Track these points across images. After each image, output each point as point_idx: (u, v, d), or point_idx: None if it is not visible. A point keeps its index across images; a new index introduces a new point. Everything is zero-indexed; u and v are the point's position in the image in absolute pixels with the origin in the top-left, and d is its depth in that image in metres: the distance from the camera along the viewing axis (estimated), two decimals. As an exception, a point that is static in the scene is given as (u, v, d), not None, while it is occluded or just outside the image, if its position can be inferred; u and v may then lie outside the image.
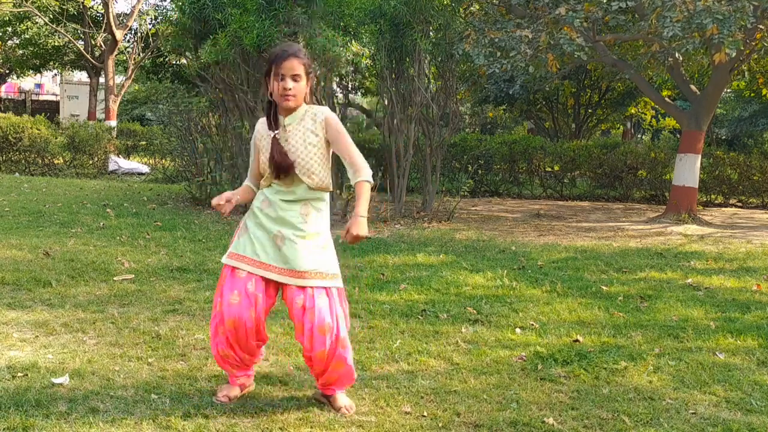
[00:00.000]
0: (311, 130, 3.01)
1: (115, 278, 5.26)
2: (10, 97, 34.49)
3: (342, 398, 3.07)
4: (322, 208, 3.07)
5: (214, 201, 3.07)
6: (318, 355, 2.92)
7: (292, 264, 2.96)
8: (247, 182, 3.26)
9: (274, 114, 3.05)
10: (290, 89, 2.94)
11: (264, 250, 2.99)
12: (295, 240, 2.97)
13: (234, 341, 2.99)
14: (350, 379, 3.08)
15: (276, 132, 3.02)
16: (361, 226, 2.87)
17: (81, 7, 23.32)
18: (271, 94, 3.02)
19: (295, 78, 2.95)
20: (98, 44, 22.57)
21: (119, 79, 24.58)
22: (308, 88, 3.03)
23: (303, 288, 2.95)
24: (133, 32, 23.03)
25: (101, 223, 7.78)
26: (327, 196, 3.10)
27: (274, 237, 2.99)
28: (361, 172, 2.97)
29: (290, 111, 3.03)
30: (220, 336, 3.01)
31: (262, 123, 3.13)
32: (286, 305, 3.02)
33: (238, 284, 2.97)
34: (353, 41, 8.67)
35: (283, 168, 2.99)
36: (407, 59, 9.81)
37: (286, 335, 4.04)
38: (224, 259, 3.07)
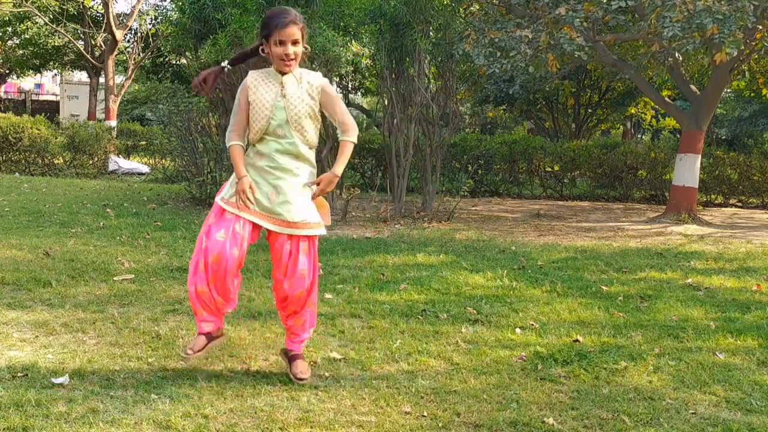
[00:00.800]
0: (308, 94, 3.25)
1: (115, 278, 5.26)
2: (10, 97, 34.49)
3: (300, 364, 3.36)
4: (311, 159, 3.32)
5: (243, 196, 3.19)
6: (297, 294, 3.24)
7: (285, 216, 3.20)
8: (236, 142, 3.32)
9: (251, 56, 3.33)
10: (290, 54, 3.15)
11: (257, 199, 3.20)
12: (287, 192, 3.20)
13: (212, 278, 3.14)
14: (314, 319, 3.44)
15: (226, 64, 3.36)
16: (331, 183, 3.28)
17: (81, 7, 23.33)
18: (263, 50, 3.22)
19: (294, 43, 3.16)
20: (98, 44, 22.58)
21: (119, 79, 24.59)
22: (304, 48, 3.23)
23: (291, 236, 3.22)
24: (133, 32, 23.04)
25: (101, 223, 7.78)
26: (313, 155, 3.34)
27: (268, 192, 3.21)
28: (349, 132, 3.30)
29: (286, 70, 3.24)
30: (200, 273, 3.15)
31: (254, 75, 3.29)
32: (270, 246, 3.29)
33: (226, 224, 3.17)
34: (353, 41, 8.67)
35: (202, 85, 3.32)
36: (407, 59, 9.82)
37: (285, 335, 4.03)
38: (218, 199, 3.26)
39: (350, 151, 3.31)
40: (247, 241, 3.21)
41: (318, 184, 3.28)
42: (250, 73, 3.31)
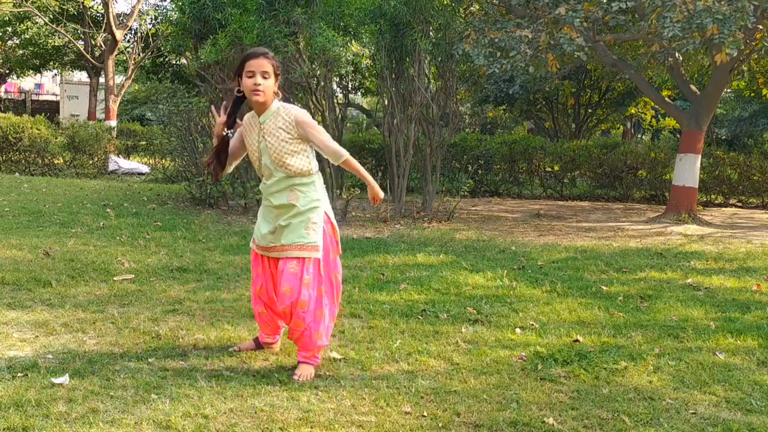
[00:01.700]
0: (282, 128, 3.39)
1: (115, 278, 5.26)
2: (10, 97, 34.48)
3: (302, 368, 3.45)
4: (308, 189, 3.45)
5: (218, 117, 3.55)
6: (282, 309, 3.42)
7: (281, 241, 3.45)
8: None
9: (234, 107, 3.49)
10: (260, 84, 3.31)
11: (262, 235, 3.52)
12: (285, 224, 3.43)
13: (263, 305, 3.63)
14: (310, 344, 3.45)
15: (230, 132, 3.51)
16: (378, 190, 3.58)
17: (81, 7, 23.33)
18: (239, 91, 3.42)
19: (264, 75, 3.33)
20: (98, 44, 22.58)
21: (119, 79, 24.58)
22: (276, 85, 3.41)
23: (284, 258, 3.45)
24: (133, 32, 23.03)
25: (101, 223, 7.78)
26: (313, 177, 3.48)
27: (273, 229, 3.47)
28: (340, 153, 3.45)
29: (262, 107, 3.41)
30: (255, 299, 3.67)
31: (246, 117, 3.54)
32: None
33: (258, 261, 3.61)
34: (353, 41, 8.67)
35: (213, 171, 3.59)
36: (407, 59, 9.81)
37: (284, 335, 4.03)
38: (251, 244, 3.70)
39: (354, 162, 3.51)
40: (270, 272, 3.57)
41: (373, 200, 3.62)
42: (246, 115, 3.57)
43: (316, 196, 3.47)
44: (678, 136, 17.31)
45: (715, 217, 11.27)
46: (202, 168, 9.99)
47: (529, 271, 6.19)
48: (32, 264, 5.54)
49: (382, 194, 3.61)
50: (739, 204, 13.87)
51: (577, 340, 4.15)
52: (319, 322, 3.45)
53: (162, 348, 3.76)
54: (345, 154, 3.46)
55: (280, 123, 3.39)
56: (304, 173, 3.42)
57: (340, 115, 10.74)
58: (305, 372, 3.43)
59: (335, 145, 3.46)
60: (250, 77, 3.33)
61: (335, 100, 10.69)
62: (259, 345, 3.78)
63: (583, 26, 8.90)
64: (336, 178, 10.09)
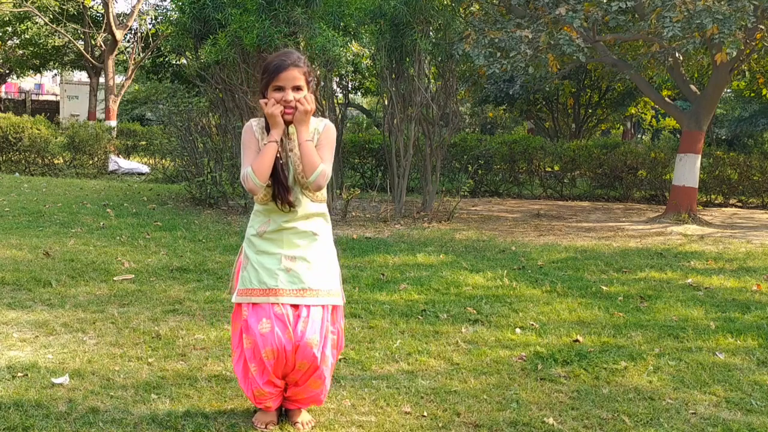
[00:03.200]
0: (311, 138, 2.83)
1: (115, 278, 5.26)
2: (10, 97, 34.49)
3: (303, 414, 2.94)
4: (327, 221, 2.95)
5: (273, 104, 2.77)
6: (299, 365, 2.75)
7: (304, 283, 2.80)
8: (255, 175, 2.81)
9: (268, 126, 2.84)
10: (291, 101, 2.74)
11: (271, 275, 2.80)
12: (306, 258, 2.83)
13: (274, 371, 2.76)
14: (317, 401, 2.93)
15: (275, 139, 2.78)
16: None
17: (81, 7, 23.32)
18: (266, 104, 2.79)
19: (296, 89, 2.76)
20: (98, 44, 22.57)
21: (119, 79, 24.58)
22: (311, 95, 2.81)
23: (309, 306, 2.82)
24: (133, 32, 23.02)
25: (101, 223, 7.78)
26: (326, 208, 2.97)
27: (282, 259, 2.82)
28: (322, 168, 2.78)
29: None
30: (252, 374, 2.78)
31: (255, 123, 2.90)
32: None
33: (265, 311, 2.77)
34: (353, 41, 8.67)
35: (283, 196, 2.80)
36: (407, 59, 9.81)
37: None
38: (234, 299, 2.87)
39: (312, 151, 2.77)
40: (293, 318, 2.78)
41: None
42: (251, 120, 2.93)
43: (330, 228, 2.97)
44: (678, 136, 17.31)
45: (715, 217, 11.26)
46: (201, 168, 10.00)
47: (529, 271, 6.19)
48: (32, 264, 5.54)
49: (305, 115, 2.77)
50: (739, 204, 13.87)
51: (577, 340, 4.15)
52: (330, 380, 2.93)
53: (162, 348, 3.76)
54: (325, 173, 2.80)
55: (314, 138, 2.84)
56: (322, 200, 2.91)
57: (340, 115, 10.74)
58: (309, 418, 2.95)
59: (326, 169, 2.79)
60: (277, 91, 2.75)
61: (335, 100, 10.69)
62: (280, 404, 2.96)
63: (583, 26, 8.90)
64: (336, 177, 10.10)
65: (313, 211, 2.87)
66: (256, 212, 2.92)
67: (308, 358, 2.73)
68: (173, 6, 11.05)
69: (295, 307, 2.80)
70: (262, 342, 2.72)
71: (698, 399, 3.33)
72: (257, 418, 2.89)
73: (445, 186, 11.76)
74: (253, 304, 2.80)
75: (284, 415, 2.96)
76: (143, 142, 18.71)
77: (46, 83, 44.39)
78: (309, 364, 2.75)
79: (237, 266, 2.98)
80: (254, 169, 2.75)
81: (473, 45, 9.12)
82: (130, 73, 21.83)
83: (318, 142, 2.85)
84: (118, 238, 6.96)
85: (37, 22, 24.86)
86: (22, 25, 25.16)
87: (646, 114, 20.84)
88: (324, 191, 2.91)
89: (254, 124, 2.90)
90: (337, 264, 2.98)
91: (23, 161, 14.93)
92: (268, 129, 2.82)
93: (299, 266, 2.81)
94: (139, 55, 22.04)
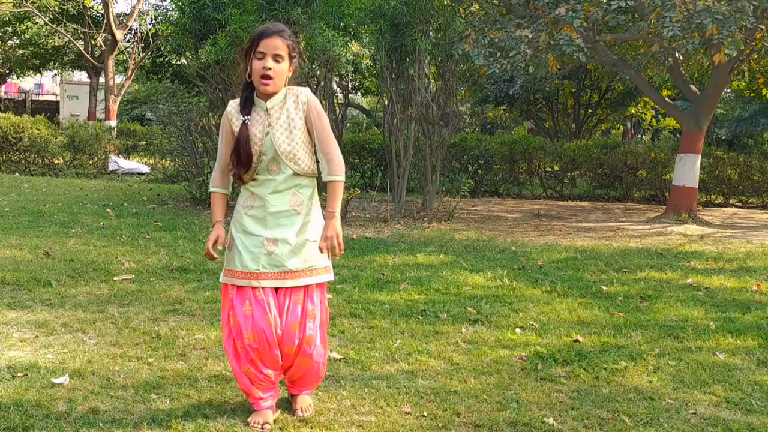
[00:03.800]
0: (295, 113, 2.86)
1: (115, 278, 5.26)
2: (10, 97, 34.49)
3: (303, 399, 3.01)
4: (312, 195, 2.94)
5: (206, 251, 2.92)
6: (287, 351, 2.85)
7: (285, 266, 2.85)
8: (214, 189, 3.01)
9: (249, 96, 2.87)
10: (270, 69, 2.76)
11: (254, 258, 2.84)
12: (288, 239, 2.85)
13: (257, 356, 2.83)
14: (317, 379, 3.03)
15: (247, 117, 2.85)
16: (337, 236, 2.82)
17: (81, 7, 23.32)
18: (249, 76, 2.84)
19: (276, 58, 2.77)
20: (98, 44, 22.58)
21: (119, 79, 24.58)
22: (290, 72, 2.86)
23: (296, 288, 2.89)
24: (133, 32, 23.03)
25: (101, 223, 7.78)
26: (314, 182, 2.96)
27: (264, 242, 2.85)
28: (338, 169, 2.86)
29: (269, 95, 2.85)
30: (240, 354, 2.85)
31: (233, 105, 2.93)
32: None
33: (247, 294, 2.84)
34: (353, 41, 8.67)
35: (243, 162, 2.83)
36: (407, 59, 9.81)
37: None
38: (222, 278, 2.94)
39: (342, 191, 2.88)
40: (275, 304, 2.85)
41: (325, 242, 2.84)
42: (231, 102, 2.95)
43: (318, 202, 2.97)
44: (678, 136, 17.31)
45: (715, 217, 11.26)
46: (201, 168, 10.00)
47: (529, 271, 6.19)
48: (32, 264, 5.54)
49: (339, 240, 2.83)
50: (739, 204, 13.87)
51: (577, 340, 4.15)
52: (325, 355, 3.01)
53: (162, 348, 3.76)
54: (343, 171, 2.90)
55: (290, 107, 2.85)
56: (309, 173, 2.89)
57: (340, 115, 10.74)
58: (308, 404, 3.02)
59: (340, 155, 2.90)
60: (259, 59, 2.77)
61: (335, 100, 10.69)
62: (273, 409, 2.98)
63: (583, 26, 8.90)
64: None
65: (298, 183, 2.88)
66: (242, 190, 2.97)
67: (290, 341, 2.85)
68: (173, 6, 11.05)
69: (277, 290, 2.87)
70: (244, 323, 2.82)
71: (698, 399, 3.33)
72: (252, 419, 2.88)
73: (445, 186, 11.76)
74: (236, 289, 2.87)
75: (288, 404, 3.04)
76: (143, 142, 18.72)
77: (46, 83, 44.40)
78: (293, 346, 2.85)
79: (228, 240, 2.99)
80: (212, 183, 3.04)
81: (473, 45, 9.12)
82: (130, 73, 21.84)
83: (313, 121, 2.86)
84: (118, 238, 6.96)
85: (37, 22, 24.87)
86: (22, 25, 25.16)
87: (646, 114, 20.84)
88: (309, 166, 2.89)
89: (230, 109, 2.93)
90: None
91: (23, 161, 14.93)
92: (242, 110, 2.87)
93: (281, 249, 2.84)
94: (139, 55, 22.05)
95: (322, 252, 2.86)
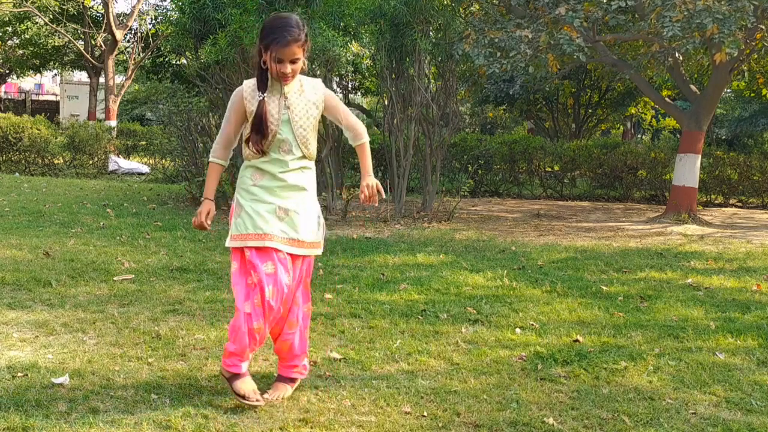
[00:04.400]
0: (314, 102, 3.08)
1: (115, 278, 5.26)
2: (10, 97, 34.49)
3: (281, 387, 3.16)
4: (313, 177, 3.18)
5: (197, 222, 3.11)
6: (291, 320, 3.11)
7: (298, 233, 3.04)
8: (214, 159, 3.16)
9: (264, 77, 3.03)
10: (289, 72, 2.97)
11: (265, 221, 2.99)
12: (297, 210, 3.04)
13: (268, 313, 2.95)
14: (303, 346, 3.20)
15: (265, 94, 3.01)
16: (376, 185, 3.14)
17: (81, 7, 23.33)
18: (264, 62, 2.98)
19: (294, 61, 2.97)
20: (98, 44, 22.58)
21: (119, 79, 24.58)
22: (304, 63, 3.05)
23: (299, 256, 3.09)
24: (133, 32, 23.03)
25: (101, 223, 7.79)
26: (314, 165, 3.19)
27: (275, 210, 3.01)
28: (362, 133, 3.21)
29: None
30: (256, 309, 2.92)
31: (249, 84, 3.07)
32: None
33: (269, 255, 2.97)
34: (353, 41, 8.67)
35: (264, 134, 2.98)
36: (407, 59, 9.82)
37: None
38: (228, 243, 3.04)
39: (369, 150, 3.25)
40: (291, 266, 3.04)
41: (364, 194, 3.14)
42: (246, 82, 3.09)
43: (315, 185, 3.20)
44: (678, 136, 17.31)
45: (715, 217, 11.26)
46: (201, 168, 10.00)
47: (529, 271, 6.19)
48: (32, 264, 5.54)
49: (377, 189, 3.16)
50: (739, 204, 13.87)
51: (577, 340, 4.15)
52: (307, 320, 3.23)
53: (162, 348, 3.76)
54: (366, 134, 3.25)
55: (310, 96, 3.06)
56: (312, 157, 3.13)
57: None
58: (282, 395, 3.13)
59: (361, 123, 3.23)
60: (277, 62, 2.93)
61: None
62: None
63: (583, 26, 8.90)
64: (335, 177, 10.09)
65: (304, 165, 3.09)
66: (246, 167, 3.11)
67: (287, 302, 3.05)
68: (173, 6, 11.06)
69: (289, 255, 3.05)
70: (266, 280, 2.93)
71: (698, 399, 3.33)
72: (244, 390, 2.98)
73: (445, 186, 11.76)
74: (257, 248, 2.97)
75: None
76: (143, 142, 18.72)
77: (46, 83, 44.40)
78: (286, 307, 3.06)
79: (230, 215, 3.15)
80: (209, 163, 3.21)
81: (473, 45, 9.12)
82: (130, 73, 21.84)
83: (331, 109, 3.15)
84: (118, 238, 6.96)
85: (37, 22, 24.87)
86: (22, 25, 25.17)
87: (646, 114, 20.84)
88: (313, 151, 3.13)
89: (247, 90, 3.05)
90: (322, 217, 3.21)
91: (23, 161, 14.94)
92: (259, 87, 3.02)
93: (292, 217, 3.04)
94: (139, 55, 22.05)
95: (362, 199, 3.15)
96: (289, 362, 3.20)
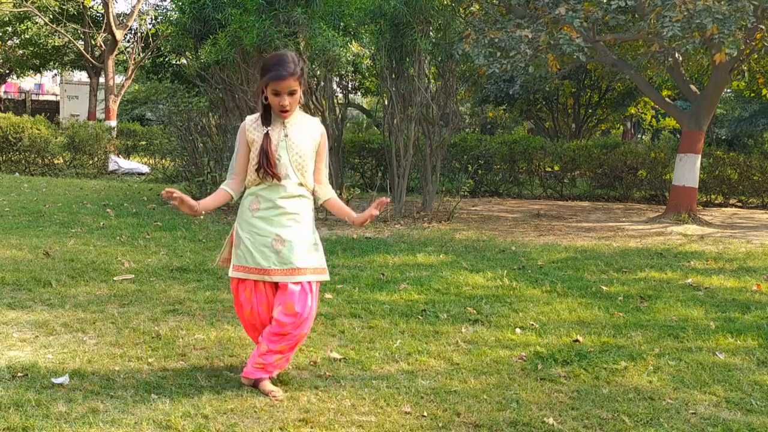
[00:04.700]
0: (311, 135, 3.27)
1: (115, 278, 5.26)
2: (10, 97, 34.49)
3: (269, 384, 3.24)
4: (311, 207, 3.32)
5: (166, 191, 3.20)
6: (284, 331, 3.19)
7: (293, 263, 3.18)
8: (225, 186, 3.32)
9: (267, 113, 3.23)
10: (287, 105, 3.16)
11: (265, 257, 3.18)
12: (293, 240, 3.19)
13: (248, 329, 3.38)
14: (289, 355, 3.34)
15: (269, 128, 3.21)
16: (369, 210, 3.27)
17: (81, 7, 23.33)
18: (266, 98, 3.19)
19: (291, 93, 3.16)
20: (98, 44, 22.58)
21: (119, 79, 24.58)
22: (301, 90, 3.22)
23: (296, 283, 3.21)
24: (133, 32, 23.03)
25: (101, 223, 7.79)
26: (311, 197, 3.34)
27: (273, 242, 3.18)
28: (330, 190, 3.39)
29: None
30: (247, 324, 3.37)
31: (251, 119, 3.29)
32: (280, 289, 3.25)
33: (248, 283, 3.24)
34: (353, 41, 8.67)
35: (271, 164, 3.16)
36: (407, 59, 9.81)
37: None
38: (231, 273, 3.27)
39: (338, 201, 3.41)
40: (271, 297, 3.24)
41: (372, 214, 3.27)
42: (248, 117, 3.34)
43: (313, 215, 3.35)
44: (678, 136, 17.31)
45: (715, 217, 11.27)
46: (201, 168, 10.00)
47: (529, 271, 6.19)
48: (32, 264, 5.54)
49: (376, 210, 3.26)
50: (739, 204, 13.87)
51: (577, 340, 4.15)
52: (296, 345, 3.31)
53: (162, 348, 3.76)
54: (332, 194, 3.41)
55: (311, 131, 3.27)
56: (310, 188, 3.29)
57: (340, 115, 10.74)
58: (269, 389, 3.22)
59: (329, 186, 3.41)
60: (275, 95, 3.14)
61: (335, 100, 10.69)
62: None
63: (583, 26, 8.90)
64: (336, 177, 10.09)
65: (302, 193, 3.26)
66: (246, 196, 3.30)
67: (287, 325, 3.17)
68: (173, 6, 11.06)
69: (275, 284, 3.24)
70: (244, 304, 3.28)
71: (698, 399, 3.33)
72: (274, 391, 3.20)
73: (445, 186, 11.76)
74: (240, 280, 3.26)
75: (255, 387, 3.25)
76: (143, 142, 18.71)
77: (46, 83, 44.40)
78: (289, 330, 3.19)
79: (228, 241, 3.38)
80: (219, 189, 3.35)
81: (473, 45, 9.12)
82: (130, 73, 21.83)
83: (319, 149, 3.32)
84: (118, 238, 6.96)
85: (37, 22, 24.87)
86: (22, 25, 25.17)
87: (646, 114, 20.84)
88: (310, 181, 3.29)
89: (248, 123, 3.28)
90: (320, 243, 3.34)
91: (23, 161, 14.93)
92: (263, 121, 3.23)
93: (287, 248, 3.19)
94: (139, 55, 22.04)
95: (371, 217, 3.27)
96: (258, 360, 3.24)
